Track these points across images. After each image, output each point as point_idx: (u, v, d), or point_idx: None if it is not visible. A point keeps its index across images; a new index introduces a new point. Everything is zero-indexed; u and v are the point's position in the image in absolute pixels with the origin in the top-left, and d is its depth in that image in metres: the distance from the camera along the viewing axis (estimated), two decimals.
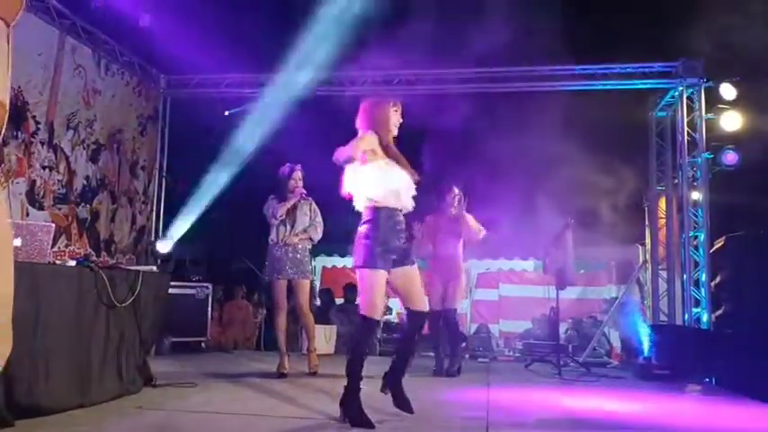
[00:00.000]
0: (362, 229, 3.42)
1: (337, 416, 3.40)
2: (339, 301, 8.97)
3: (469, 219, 5.79)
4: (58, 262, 4.03)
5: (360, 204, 3.50)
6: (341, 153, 3.36)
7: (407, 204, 3.52)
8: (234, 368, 5.68)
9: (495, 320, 10.94)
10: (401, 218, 3.50)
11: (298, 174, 5.30)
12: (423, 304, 3.58)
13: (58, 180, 6.54)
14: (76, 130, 6.80)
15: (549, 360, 6.70)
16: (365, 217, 3.45)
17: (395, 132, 3.61)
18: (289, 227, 5.28)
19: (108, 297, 3.76)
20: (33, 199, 6.18)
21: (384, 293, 3.49)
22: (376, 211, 3.40)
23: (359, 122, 3.62)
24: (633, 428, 3.73)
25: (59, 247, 6.41)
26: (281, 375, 5.12)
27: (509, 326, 11.06)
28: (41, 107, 6.29)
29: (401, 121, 3.64)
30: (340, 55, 6.84)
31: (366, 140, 3.43)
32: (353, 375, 3.35)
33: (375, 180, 3.42)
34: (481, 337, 9.61)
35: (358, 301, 9.01)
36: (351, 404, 3.31)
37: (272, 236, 5.29)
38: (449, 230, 5.80)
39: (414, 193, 3.55)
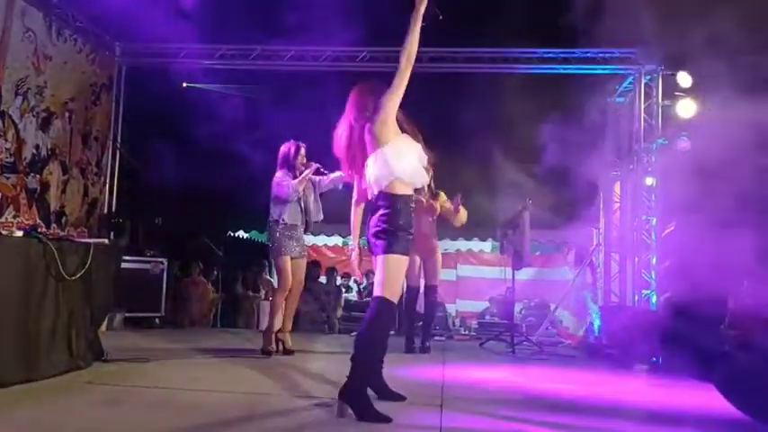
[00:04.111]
0: (384, 215, 3.21)
1: (312, 396, 3.40)
2: None
3: (440, 204, 5.91)
4: (4, 233, 3.89)
5: (379, 187, 3.25)
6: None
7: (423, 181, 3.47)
8: (189, 344, 5.61)
9: (452, 300, 11.09)
10: (413, 199, 3.38)
11: (303, 151, 5.26)
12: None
13: (6, 148, 6.28)
14: (26, 96, 6.53)
15: (504, 339, 6.84)
16: (384, 204, 3.22)
17: None
18: (303, 206, 5.24)
19: (57, 270, 3.66)
20: None
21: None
22: (394, 198, 3.22)
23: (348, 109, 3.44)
24: (581, 406, 3.84)
25: (7, 218, 6.18)
26: (269, 353, 5.05)
27: (466, 305, 11.24)
28: None
29: None
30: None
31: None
32: (367, 364, 3.18)
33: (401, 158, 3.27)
34: (438, 317, 9.72)
35: (321, 278, 8.96)
36: (361, 396, 3.07)
37: (285, 216, 5.14)
38: (424, 209, 5.85)
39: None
